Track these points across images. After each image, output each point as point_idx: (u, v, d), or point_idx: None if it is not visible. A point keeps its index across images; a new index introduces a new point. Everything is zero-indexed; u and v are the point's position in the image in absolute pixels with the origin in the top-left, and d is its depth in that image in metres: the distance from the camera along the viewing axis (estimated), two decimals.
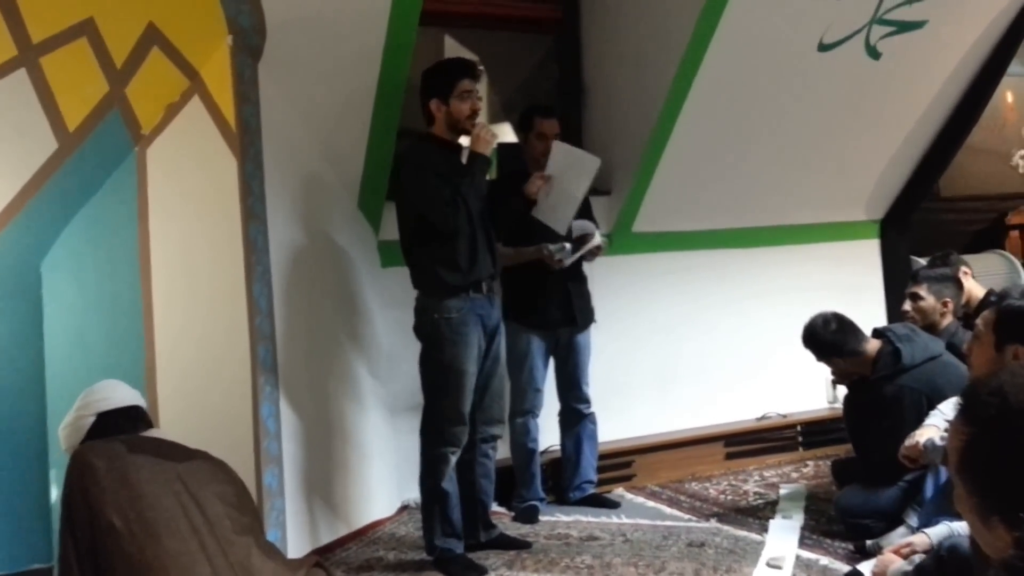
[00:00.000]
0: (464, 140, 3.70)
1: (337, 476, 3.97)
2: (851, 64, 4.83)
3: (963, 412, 1.36)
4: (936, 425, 3.38)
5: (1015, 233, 7.15)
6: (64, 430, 2.63)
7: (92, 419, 2.58)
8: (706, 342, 5.21)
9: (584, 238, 4.15)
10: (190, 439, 2.69)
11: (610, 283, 4.74)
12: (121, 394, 2.67)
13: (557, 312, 4.27)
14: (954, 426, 1.37)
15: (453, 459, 3.61)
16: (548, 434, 4.48)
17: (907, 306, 4.16)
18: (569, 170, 3.88)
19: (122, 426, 2.57)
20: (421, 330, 3.64)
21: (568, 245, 4.11)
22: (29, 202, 3.45)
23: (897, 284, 5.72)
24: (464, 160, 3.67)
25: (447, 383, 3.56)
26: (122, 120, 3.50)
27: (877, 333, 3.91)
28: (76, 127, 3.39)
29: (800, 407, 5.31)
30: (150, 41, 3.37)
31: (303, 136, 3.89)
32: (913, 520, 3.52)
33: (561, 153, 3.91)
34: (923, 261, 5.64)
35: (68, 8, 3.19)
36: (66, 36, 3.22)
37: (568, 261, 4.13)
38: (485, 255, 3.65)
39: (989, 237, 7.11)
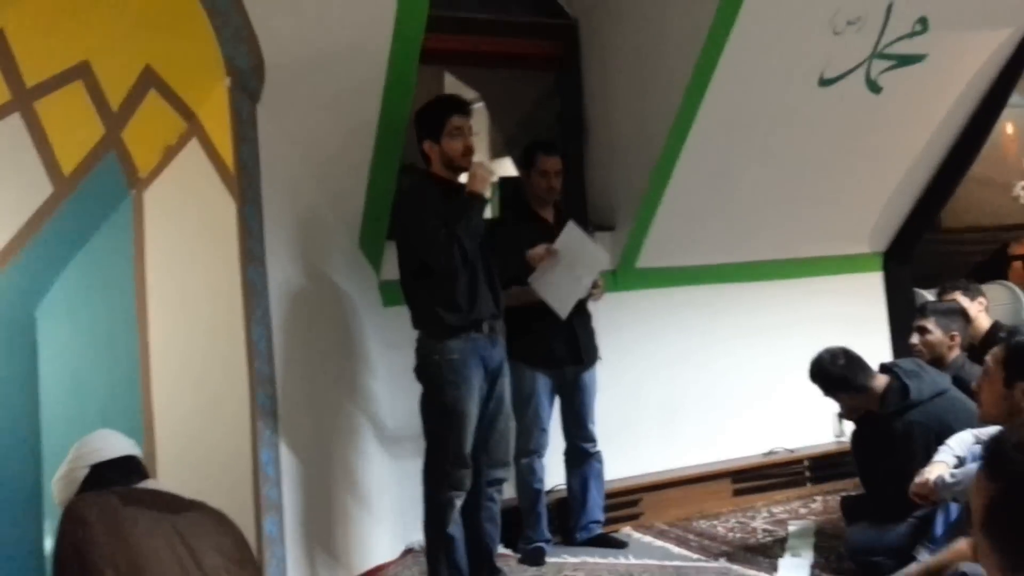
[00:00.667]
0: (464, 178, 3.67)
1: (339, 521, 3.90)
2: (852, 98, 4.82)
3: (987, 467, 1.31)
4: (945, 461, 3.34)
5: (1018, 263, 7.14)
6: (57, 483, 2.57)
7: (86, 471, 2.52)
8: (711, 378, 5.15)
9: None
10: (188, 485, 2.64)
11: (614, 319, 4.69)
12: (115, 445, 2.61)
13: (563, 350, 4.22)
14: (978, 483, 1.31)
15: (458, 503, 3.55)
16: (553, 473, 4.41)
17: (915, 339, 4.13)
18: (578, 257, 3.92)
19: (117, 478, 2.51)
20: (422, 372, 3.59)
21: None
22: (24, 247, 3.41)
23: (901, 316, 5.70)
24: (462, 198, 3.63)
25: (449, 425, 3.50)
26: (119, 163, 3.47)
27: (884, 368, 3.88)
28: (72, 171, 3.36)
29: (807, 442, 5.25)
30: (147, 83, 3.35)
31: (302, 177, 3.87)
32: (924, 557, 3.46)
33: (574, 238, 3.93)
34: (927, 293, 5.63)
35: (63, 51, 3.17)
36: (61, 79, 3.19)
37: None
38: (486, 294, 3.61)
39: (992, 268, 7.09)
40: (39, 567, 3.59)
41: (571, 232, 3.92)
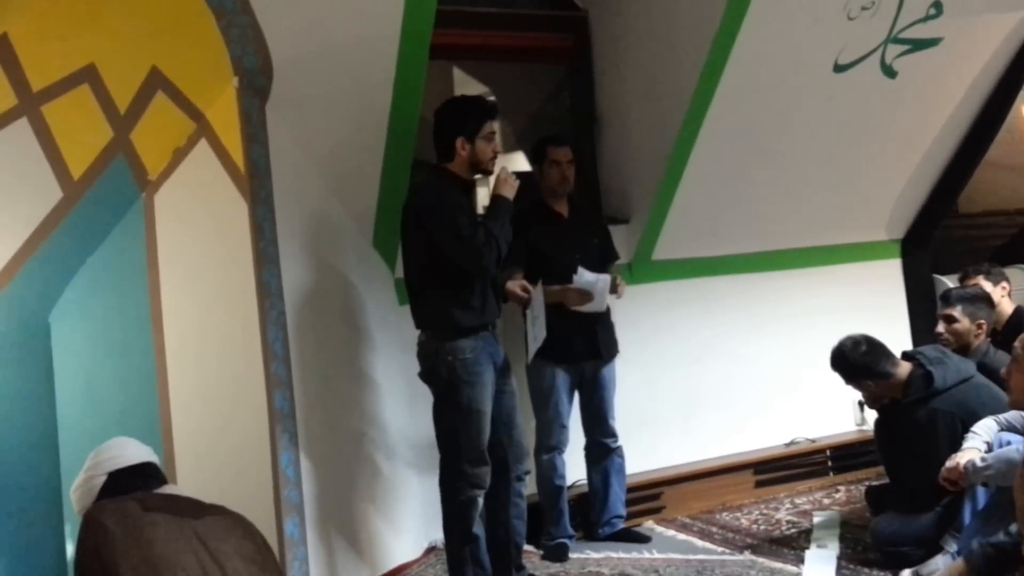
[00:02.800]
0: (479, 179, 3.68)
1: (360, 521, 3.88)
2: (867, 84, 4.77)
3: None
4: (976, 447, 3.33)
5: None
6: (76, 492, 2.56)
7: (103, 479, 2.51)
8: (731, 369, 5.11)
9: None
10: (207, 490, 2.62)
11: (631, 313, 4.65)
12: (132, 451, 2.60)
13: (581, 345, 4.20)
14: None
15: (480, 501, 3.52)
16: (574, 468, 4.38)
17: (940, 328, 4.07)
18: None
19: (135, 484, 2.50)
20: (433, 373, 3.53)
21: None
22: (35, 253, 3.40)
23: (920, 303, 5.66)
24: (478, 200, 3.62)
25: (467, 424, 3.47)
26: (128, 166, 3.45)
27: (907, 356, 3.83)
28: (81, 175, 3.34)
29: (829, 431, 5.22)
30: (154, 85, 3.32)
31: (314, 175, 3.84)
32: (951, 546, 3.46)
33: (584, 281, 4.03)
34: (945, 279, 5.57)
35: (68, 55, 3.14)
36: (67, 83, 3.17)
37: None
38: (492, 295, 3.61)
39: (1010, 252, 6.99)
40: (61, 572, 3.58)
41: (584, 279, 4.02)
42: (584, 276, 4.03)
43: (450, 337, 3.48)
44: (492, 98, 3.91)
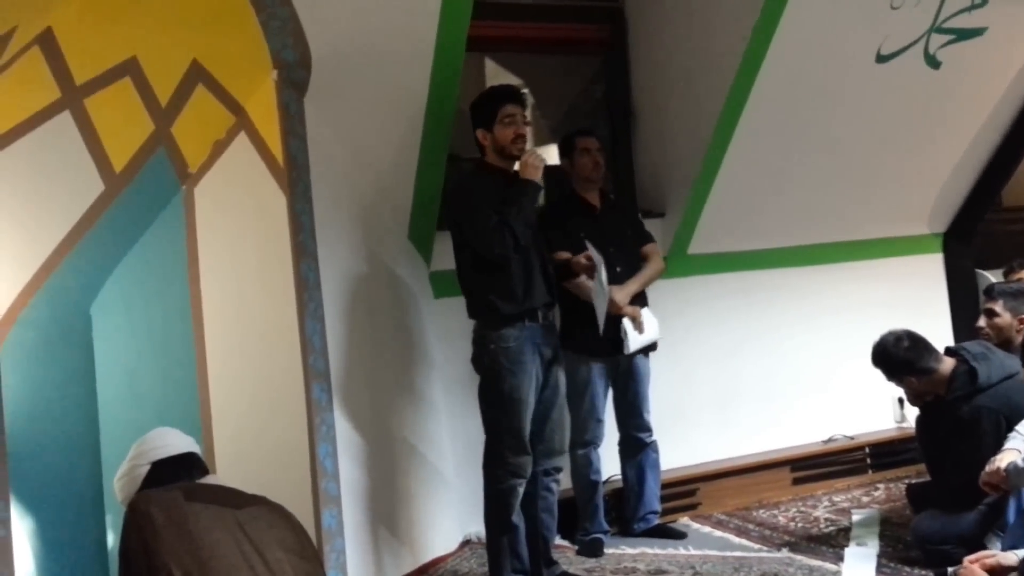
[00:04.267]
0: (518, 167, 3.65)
1: (397, 513, 3.89)
2: (910, 75, 4.70)
3: None
4: (1017, 448, 3.27)
5: None
6: (119, 481, 2.59)
7: (147, 468, 2.53)
8: (767, 364, 5.06)
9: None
10: (246, 481, 2.63)
11: (667, 307, 4.60)
12: (174, 441, 2.62)
13: (616, 338, 4.15)
14: None
15: (520, 491, 3.52)
16: (608, 463, 4.35)
17: (982, 322, 4.01)
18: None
19: (178, 474, 2.52)
20: (479, 361, 3.57)
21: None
22: (77, 245, 3.43)
23: (962, 298, 5.58)
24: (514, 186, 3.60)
25: (508, 413, 3.48)
26: (169, 159, 3.47)
27: (950, 351, 3.77)
28: (122, 168, 3.37)
29: (867, 428, 5.16)
30: (195, 78, 3.34)
31: (351, 169, 3.84)
32: (995, 546, 3.40)
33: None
34: (988, 274, 5.48)
35: (111, 48, 3.17)
36: (110, 76, 3.20)
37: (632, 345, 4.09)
38: (540, 283, 3.58)
39: None
40: (102, 562, 3.62)
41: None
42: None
43: (495, 326, 3.50)
44: (515, 85, 3.87)
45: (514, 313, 3.49)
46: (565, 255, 3.87)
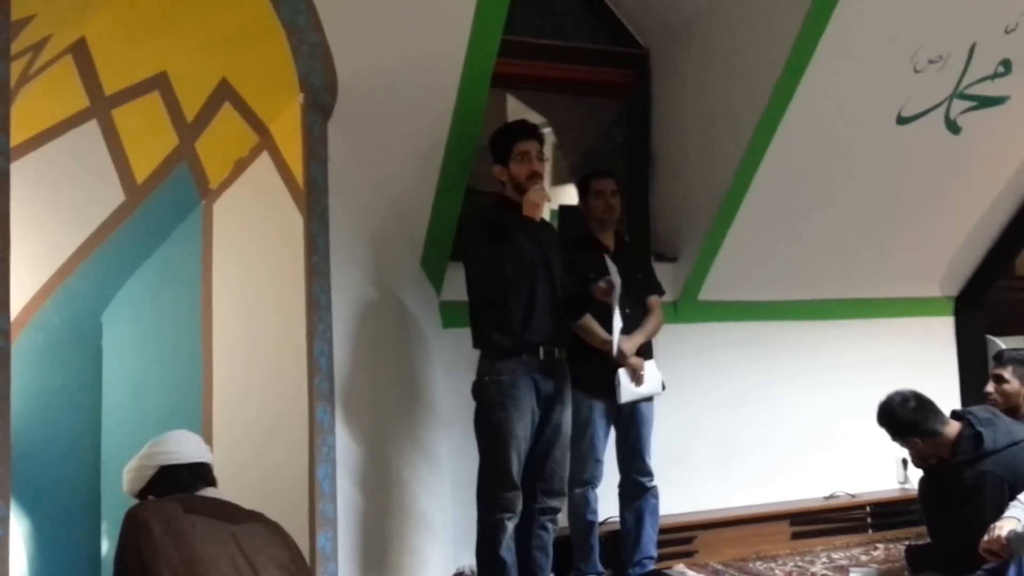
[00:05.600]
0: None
1: (392, 540, 3.86)
2: (930, 138, 4.72)
3: None
4: (1016, 517, 3.24)
5: None
6: (127, 473, 2.64)
7: (154, 471, 2.55)
8: (772, 415, 5.04)
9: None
10: (244, 497, 2.63)
11: (674, 351, 4.61)
12: (188, 449, 2.64)
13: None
14: None
15: (510, 525, 3.49)
16: (606, 504, 4.33)
17: (990, 387, 4.00)
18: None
19: (182, 482, 2.53)
20: (475, 391, 3.58)
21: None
22: (94, 252, 3.48)
23: (972, 363, 5.55)
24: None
25: (496, 446, 3.47)
26: (190, 174, 3.52)
27: (956, 415, 3.76)
28: (144, 179, 3.43)
29: (869, 487, 5.12)
30: (222, 96, 3.40)
31: (369, 195, 3.87)
32: None
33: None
34: (999, 341, 5.47)
35: (142, 61, 3.23)
36: (139, 89, 3.26)
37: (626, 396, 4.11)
38: (544, 319, 3.56)
39: None
40: (95, 569, 3.61)
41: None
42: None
43: (492, 358, 3.51)
44: (535, 122, 3.90)
45: (509, 346, 3.49)
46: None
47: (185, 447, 2.64)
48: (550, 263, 3.62)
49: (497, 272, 3.42)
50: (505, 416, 3.45)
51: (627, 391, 4.08)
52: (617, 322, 3.83)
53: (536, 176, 3.59)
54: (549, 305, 3.59)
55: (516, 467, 3.47)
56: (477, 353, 3.61)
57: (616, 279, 3.71)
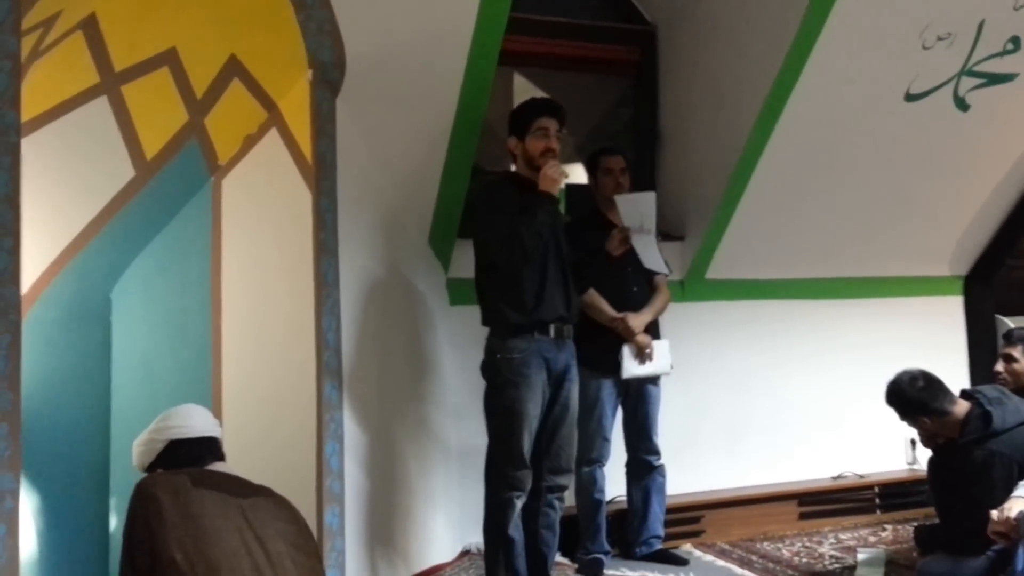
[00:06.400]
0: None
1: (399, 518, 3.89)
2: (939, 115, 4.69)
3: None
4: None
5: None
6: (137, 447, 2.64)
7: (163, 445, 2.56)
8: (780, 395, 5.04)
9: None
10: (252, 473, 2.64)
11: (681, 331, 4.61)
12: (197, 423, 2.64)
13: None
14: None
15: (518, 504, 3.50)
16: (613, 484, 4.34)
17: (999, 367, 3.99)
18: (637, 215, 3.95)
19: (192, 457, 2.54)
20: (485, 369, 3.57)
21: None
22: (103, 229, 3.48)
23: (981, 342, 5.54)
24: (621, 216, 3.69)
25: (508, 425, 3.47)
26: (200, 150, 3.52)
27: (965, 394, 3.74)
28: (154, 155, 3.42)
29: (878, 467, 5.12)
30: (231, 73, 3.39)
31: (378, 171, 3.87)
32: None
33: (625, 203, 3.98)
34: (1008, 320, 5.45)
35: (152, 38, 3.22)
36: (149, 65, 3.26)
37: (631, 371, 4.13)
38: (555, 297, 3.56)
39: None
40: (103, 544, 3.64)
41: (622, 202, 3.99)
42: (624, 202, 4.01)
43: (503, 335, 3.50)
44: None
45: (522, 323, 3.48)
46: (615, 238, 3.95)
47: (194, 421, 2.64)
48: (560, 240, 3.63)
49: (517, 245, 3.41)
50: (517, 395, 3.45)
51: (629, 367, 4.07)
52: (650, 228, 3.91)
53: (550, 152, 3.58)
54: (560, 282, 3.59)
55: (527, 446, 3.48)
56: (485, 330, 3.60)
57: (628, 223, 3.81)
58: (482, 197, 3.65)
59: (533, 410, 3.48)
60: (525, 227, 3.42)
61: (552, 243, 3.57)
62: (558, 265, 3.59)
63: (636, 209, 3.94)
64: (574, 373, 3.67)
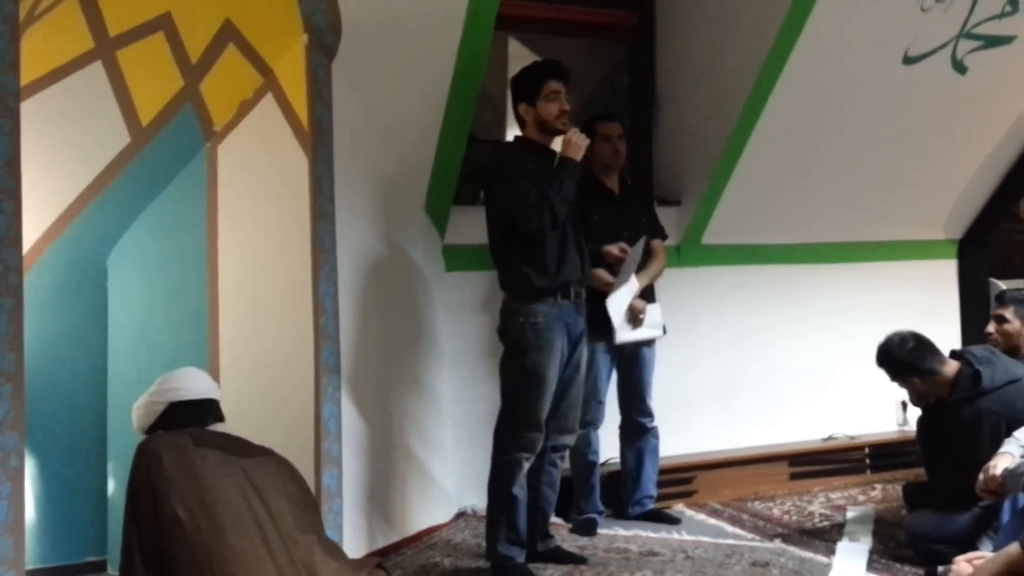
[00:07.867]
0: (557, 144, 3.67)
1: (395, 480, 3.94)
2: (936, 78, 4.69)
3: None
4: (1011, 452, 3.28)
5: None
6: (137, 410, 2.67)
7: (163, 407, 2.59)
8: (773, 358, 5.08)
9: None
10: (250, 437, 2.67)
11: (676, 295, 4.65)
12: (197, 386, 2.68)
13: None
14: None
15: (526, 465, 3.55)
16: (607, 446, 4.40)
17: (991, 327, 4.03)
18: (631, 264, 4.07)
19: (192, 418, 2.58)
20: (506, 333, 3.58)
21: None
22: (99, 195, 3.49)
23: (974, 306, 5.58)
24: (556, 164, 3.62)
25: (527, 388, 3.50)
26: (195, 116, 3.52)
27: (955, 354, 3.78)
28: (149, 121, 3.42)
29: (868, 429, 5.17)
30: (226, 37, 3.38)
31: (374, 137, 3.88)
32: (987, 547, 3.39)
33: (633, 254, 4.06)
34: (1002, 283, 5.48)
35: (146, 2, 3.21)
36: (143, 30, 3.25)
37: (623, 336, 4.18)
38: (574, 259, 3.60)
39: None
40: (100, 508, 3.69)
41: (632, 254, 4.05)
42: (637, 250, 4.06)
43: (526, 300, 3.52)
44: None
45: (547, 287, 3.50)
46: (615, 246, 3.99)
47: (194, 383, 2.68)
48: (575, 206, 3.65)
49: (547, 210, 3.43)
50: (539, 358, 3.48)
51: (621, 332, 4.11)
52: (632, 283, 3.90)
53: (565, 115, 3.59)
54: (576, 246, 3.63)
55: (544, 409, 3.52)
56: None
57: (633, 252, 3.84)
58: (500, 163, 3.61)
59: (553, 374, 3.52)
60: (555, 194, 3.44)
61: (572, 209, 3.60)
62: (575, 228, 3.63)
63: (632, 260, 4.03)
64: (585, 336, 3.71)
